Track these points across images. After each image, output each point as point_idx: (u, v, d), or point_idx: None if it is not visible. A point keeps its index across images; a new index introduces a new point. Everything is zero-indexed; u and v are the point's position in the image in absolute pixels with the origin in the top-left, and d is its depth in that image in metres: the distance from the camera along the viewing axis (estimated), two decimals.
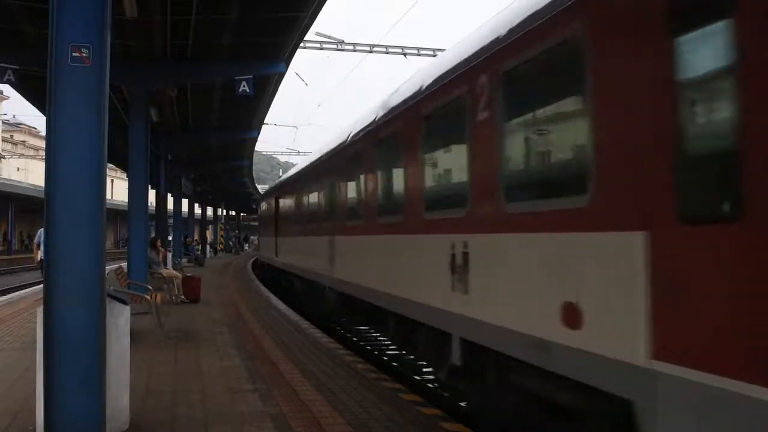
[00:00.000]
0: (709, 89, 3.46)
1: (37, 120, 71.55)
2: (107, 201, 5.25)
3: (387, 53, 22.57)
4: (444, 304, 6.27)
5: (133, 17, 10.90)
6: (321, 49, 22.10)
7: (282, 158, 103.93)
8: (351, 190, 10.76)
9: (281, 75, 17.16)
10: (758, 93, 2.97)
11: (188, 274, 18.10)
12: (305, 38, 16.42)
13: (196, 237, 46.70)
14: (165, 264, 18.33)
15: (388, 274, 8.27)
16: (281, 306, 16.07)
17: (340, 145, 11.53)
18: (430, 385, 9.44)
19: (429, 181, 7.11)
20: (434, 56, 22.14)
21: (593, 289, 4.10)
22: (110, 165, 25.99)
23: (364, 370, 8.30)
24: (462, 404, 8.41)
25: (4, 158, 65.94)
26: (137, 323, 9.63)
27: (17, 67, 14.10)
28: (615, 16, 3.93)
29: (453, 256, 6.03)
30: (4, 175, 62.74)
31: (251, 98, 17.20)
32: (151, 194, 21.26)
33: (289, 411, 6.24)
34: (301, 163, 19.75)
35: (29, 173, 70.00)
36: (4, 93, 70.84)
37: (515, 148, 5.40)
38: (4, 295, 20.10)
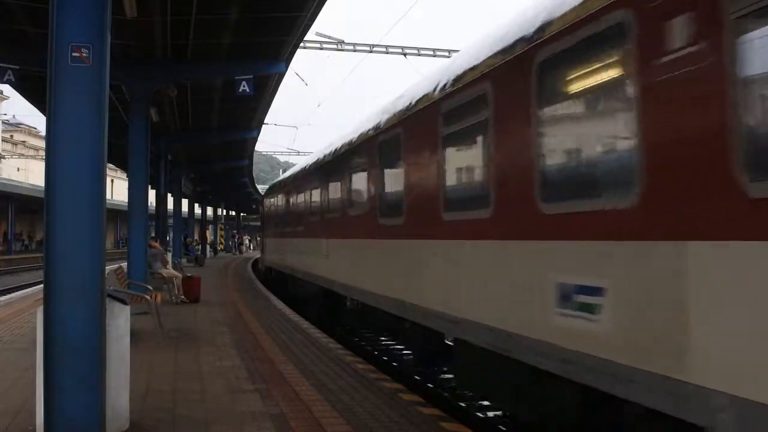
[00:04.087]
0: None
1: (37, 120, 71.59)
2: (107, 201, 5.25)
3: (387, 53, 22.60)
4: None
5: (133, 17, 10.90)
6: (321, 49, 22.13)
7: (282, 158, 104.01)
8: None
9: (281, 75, 17.16)
10: None
11: (188, 274, 18.10)
12: (305, 38, 16.44)
13: (196, 237, 46.71)
14: (165, 265, 18.32)
15: None
16: (281, 306, 16.07)
17: None
18: (430, 385, 9.45)
19: None
20: (434, 56, 22.20)
21: None
22: (110, 165, 26.05)
23: (364, 370, 8.30)
24: (462, 404, 8.43)
25: (4, 158, 65.94)
26: (137, 323, 9.62)
27: (17, 67, 14.10)
28: None
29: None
30: (4, 175, 62.74)
31: (251, 98, 17.22)
32: (151, 194, 21.28)
33: (289, 411, 6.25)
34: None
35: (29, 173, 70.01)
36: (4, 93, 70.89)
37: None
38: (4, 295, 20.11)
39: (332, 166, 12.70)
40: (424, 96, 7.80)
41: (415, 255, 7.94)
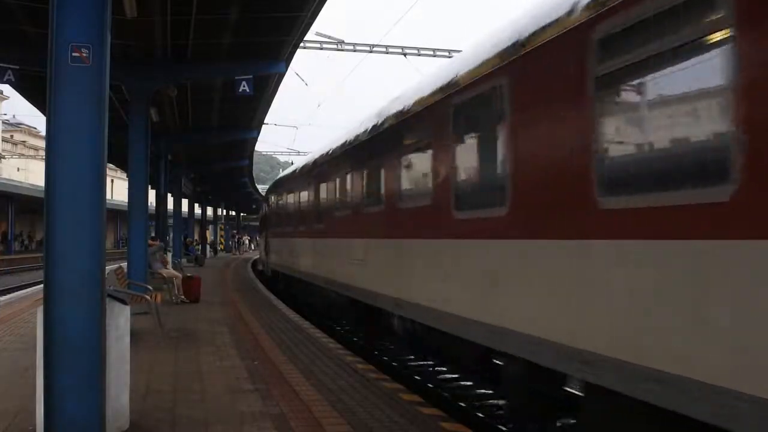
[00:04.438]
0: None
1: (37, 120, 71.66)
2: (107, 201, 5.25)
3: (387, 53, 22.61)
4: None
5: (133, 17, 10.90)
6: (321, 49, 22.14)
7: (282, 158, 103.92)
8: None
9: (281, 75, 17.17)
10: None
11: (188, 274, 18.10)
12: (305, 38, 16.44)
13: (196, 237, 46.73)
14: (165, 266, 18.33)
15: None
16: (281, 306, 16.07)
17: None
18: (430, 385, 9.45)
19: None
20: (434, 56, 22.20)
21: None
22: (110, 165, 26.05)
23: (364, 370, 8.30)
24: (462, 404, 8.42)
25: (4, 158, 65.95)
26: (137, 323, 9.63)
27: (17, 67, 14.11)
28: None
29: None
30: (4, 175, 62.73)
31: (251, 98, 17.23)
32: (151, 194, 21.28)
33: (289, 411, 6.24)
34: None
35: (29, 173, 70.00)
36: (4, 93, 70.89)
37: None
38: (4, 295, 20.11)
39: (371, 147, 9.92)
40: (550, 24, 5.21)
41: (537, 262, 5.31)
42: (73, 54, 4.88)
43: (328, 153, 13.52)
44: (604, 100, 4.59)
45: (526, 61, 5.59)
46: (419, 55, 22.50)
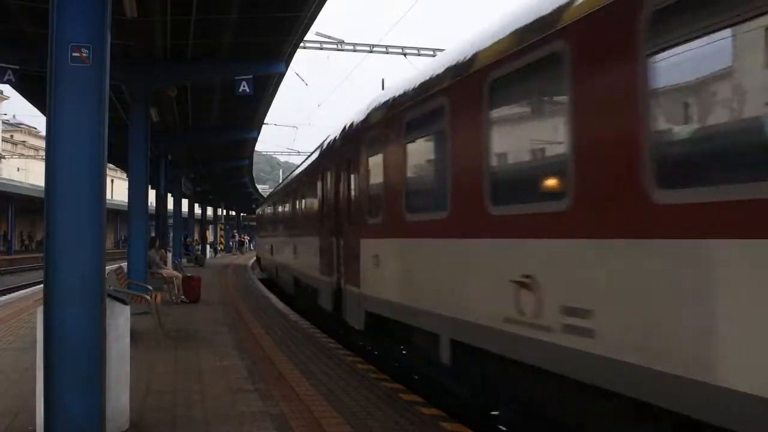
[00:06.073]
0: None
1: (37, 120, 71.58)
2: (107, 201, 5.25)
3: (387, 53, 22.61)
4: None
5: (133, 17, 10.91)
6: (321, 49, 22.14)
7: (282, 158, 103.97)
8: None
9: (281, 75, 17.19)
10: None
11: (188, 274, 18.10)
12: (305, 38, 16.46)
13: (196, 237, 46.73)
14: (165, 264, 18.33)
15: None
16: (281, 306, 16.07)
17: None
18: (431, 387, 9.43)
19: None
20: (434, 56, 22.20)
21: None
22: (110, 165, 26.06)
23: (364, 370, 8.30)
24: (462, 404, 8.42)
25: (4, 158, 65.94)
26: (137, 323, 9.62)
27: (17, 67, 14.13)
28: None
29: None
30: (4, 175, 62.73)
31: (251, 98, 17.24)
32: (151, 194, 21.29)
33: (289, 411, 6.25)
34: None
35: (29, 173, 70.01)
36: (4, 93, 70.89)
37: None
38: (4, 295, 20.12)
39: None
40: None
41: None
42: (73, 54, 4.87)
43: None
44: None
45: None
46: (419, 55, 22.49)
